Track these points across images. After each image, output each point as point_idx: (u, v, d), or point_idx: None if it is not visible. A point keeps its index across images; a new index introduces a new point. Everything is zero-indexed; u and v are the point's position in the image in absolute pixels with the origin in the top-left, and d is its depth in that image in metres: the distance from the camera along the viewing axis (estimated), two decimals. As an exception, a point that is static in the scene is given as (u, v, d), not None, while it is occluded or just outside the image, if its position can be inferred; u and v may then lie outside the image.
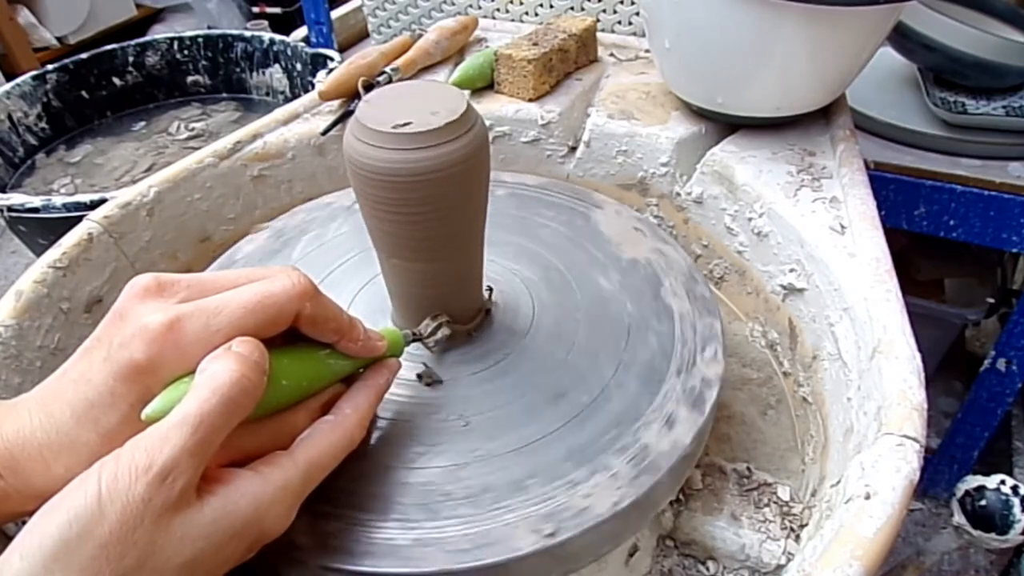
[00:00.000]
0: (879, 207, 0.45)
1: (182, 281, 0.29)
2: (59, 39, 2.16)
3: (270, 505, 0.27)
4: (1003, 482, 0.60)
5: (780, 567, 0.38)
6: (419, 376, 0.38)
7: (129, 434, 0.26)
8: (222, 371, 0.26)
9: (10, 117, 1.05)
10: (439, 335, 0.38)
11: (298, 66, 1.12)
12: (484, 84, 0.62)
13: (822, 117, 0.56)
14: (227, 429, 0.26)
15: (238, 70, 1.20)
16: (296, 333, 0.31)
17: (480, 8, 0.84)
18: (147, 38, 1.18)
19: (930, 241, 0.88)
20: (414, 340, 0.37)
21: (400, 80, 0.61)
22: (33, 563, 0.22)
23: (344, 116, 0.58)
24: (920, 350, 0.35)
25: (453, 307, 0.39)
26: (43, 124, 1.10)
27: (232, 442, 0.27)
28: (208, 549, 0.25)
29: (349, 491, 0.33)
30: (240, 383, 0.26)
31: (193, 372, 0.27)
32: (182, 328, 0.27)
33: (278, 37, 1.15)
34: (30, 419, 0.27)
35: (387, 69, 0.60)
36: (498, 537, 0.31)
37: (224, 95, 1.22)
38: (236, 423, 0.26)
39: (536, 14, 0.82)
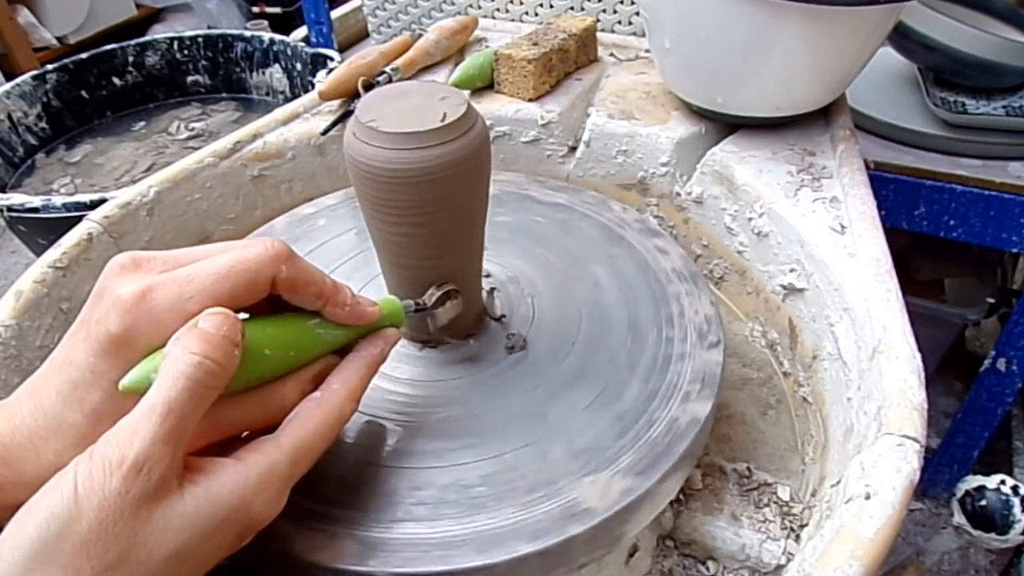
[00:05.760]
0: (879, 207, 0.45)
1: (158, 257, 0.29)
2: (59, 39, 2.16)
3: (256, 492, 0.26)
4: (1003, 482, 0.60)
5: (780, 567, 0.38)
6: (509, 349, 0.39)
7: (113, 411, 0.25)
8: (183, 354, 0.25)
9: (10, 117, 1.05)
10: (447, 306, 0.37)
11: (298, 66, 1.12)
12: (484, 84, 0.62)
13: (822, 117, 0.56)
14: (199, 411, 0.25)
15: (238, 70, 1.20)
16: (284, 303, 0.30)
17: (480, 8, 0.84)
18: (147, 38, 1.18)
19: (930, 241, 0.88)
20: (418, 311, 0.36)
21: (400, 80, 0.61)
22: (12, 564, 0.22)
23: (344, 116, 0.58)
24: (920, 350, 0.35)
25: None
26: (43, 124, 1.10)
27: (220, 415, 0.27)
28: (194, 539, 0.25)
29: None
30: (203, 365, 0.25)
31: None
32: (154, 297, 0.27)
33: (278, 37, 1.15)
34: (20, 408, 0.28)
35: (387, 69, 0.60)
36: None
37: (224, 95, 1.22)
38: (208, 403, 0.26)
39: (536, 14, 0.82)
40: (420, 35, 0.66)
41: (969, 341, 1.30)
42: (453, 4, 0.86)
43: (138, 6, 2.38)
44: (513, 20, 0.83)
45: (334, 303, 0.31)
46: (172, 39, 1.18)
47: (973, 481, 0.61)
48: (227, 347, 0.26)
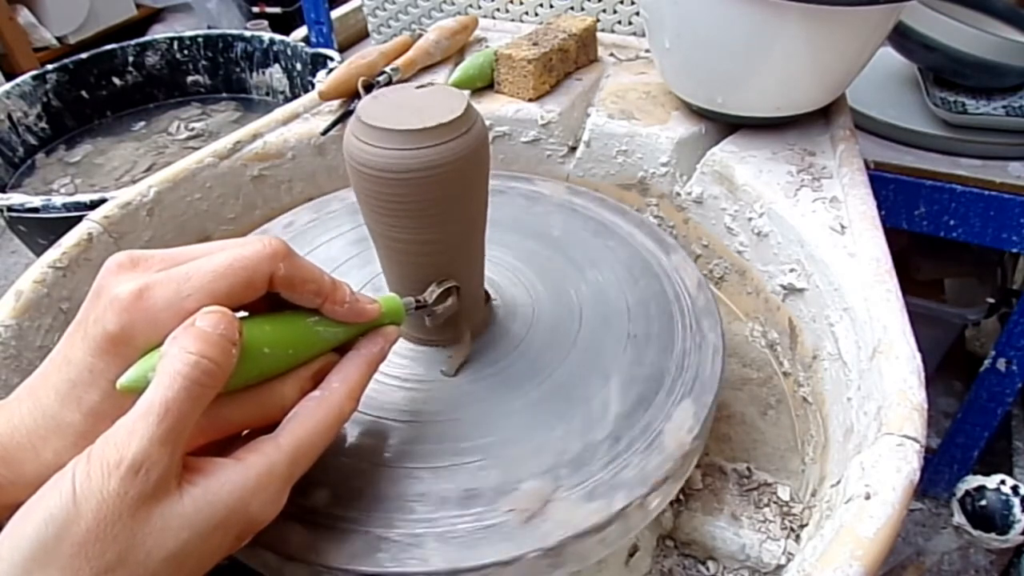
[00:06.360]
0: (879, 207, 0.45)
1: (156, 255, 0.29)
2: (59, 39, 2.16)
3: (254, 492, 0.26)
4: (1003, 482, 0.61)
5: (780, 567, 0.38)
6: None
7: (112, 410, 0.25)
8: (180, 354, 0.25)
9: (10, 117, 1.05)
10: (448, 302, 0.37)
11: (298, 66, 1.12)
12: (484, 84, 0.62)
13: (822, 117, 0.56)
14: (197, 411, 0.25)
15: (238, 70, 1.20)
16: (283, 301, 0.30)
17: (480, 8, 0.84)
18: (147, 38, 1.18)
19: (930, 241, 0.88)
20: (419, 308, 0.36)
21: (400, 80, 0.61)
22: (12, 565, 0.22)
23: (344, 116, 0.58)
24: (920, 350, 0.35)
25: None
26: (43, 124, 1.10)
27: (219, 414, 0.27)
28: (193, 540, 0.25)
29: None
30: (200, 365, 0.25)
31: None
32: (152, 295, 0.27)
33: (278, 37, 1.15)
34: (19, 408, 0.28)
35: (387, 69, 0.60)
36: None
37: (224, 95, 1.22)
38: (206, 403, 0.26)
39: (536, 14, 0.82)
40: (420, 35, 0.66)
41: (969, 341, 1.30)
42: (453, 4, 0.86)
43: (138, 6, 2.38)
44: (513, 20, 0.83)
45: (333, 300, 0.30)
46: (172, 39, 1.18)
47: (973, 481, 0.62)
48: (224, 346, 0.26)
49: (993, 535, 0.59)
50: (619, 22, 0.77)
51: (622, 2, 0.76)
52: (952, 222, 0.83)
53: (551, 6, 0.80)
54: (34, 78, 1.08)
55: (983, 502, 0.60)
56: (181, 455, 0.25)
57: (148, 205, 0.50)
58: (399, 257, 0.37)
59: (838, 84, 0.54)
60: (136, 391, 0.25)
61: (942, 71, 0.84)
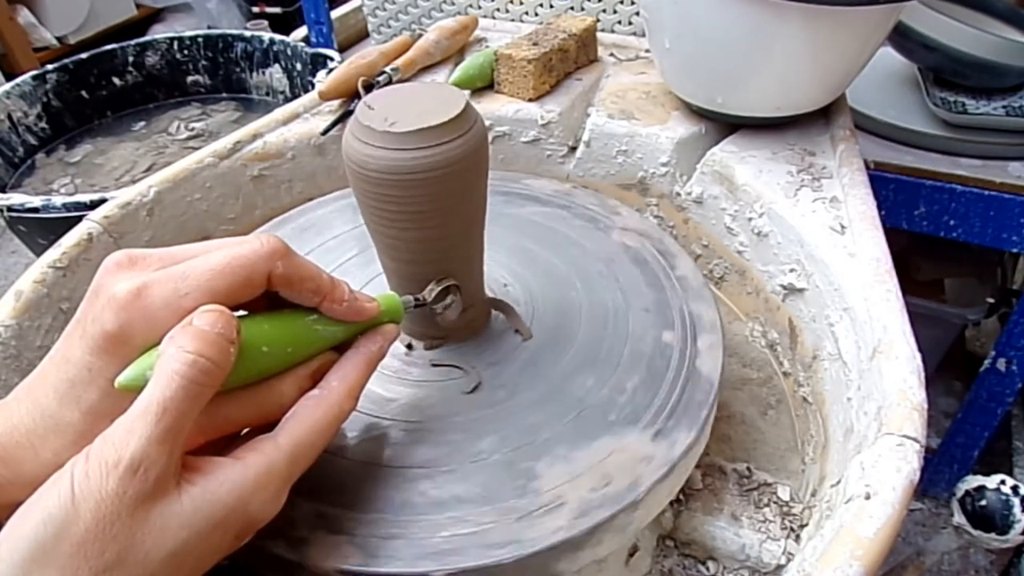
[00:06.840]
0: (879, 207, 0.45)
1: (154, 254, 0.29)
2: (59, 39, 2.16)
3: (253, 492, 0.26)
4: (1003, 482, 0.61)
5: (780, 567, 0.38)
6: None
7: (111, 409, 0.25)
8: (177, 353, 0.25)
9: (10, 117, 1.05)
10: (447, 301, 0.37)
11: (298, 66, 1.12)
12: (484, 84, 0.62)
13: (822, 117, 0.56)
14: (195, 410, 0.25)
15: (238, 70, 1.20)
16: (282, 300, 0.30)
17: (480, 8, 0.84)
18: (147, 38, 1.18)
19: (930, 241, 0.88)
20: (418, 306, 0.36)
21: (400, 80, 0.61)
22: (10, 565, 0.22)
23: (344, 116, 0.58)
24: (920, 350, 0.35)
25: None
26: (43, 124, 1.10)
27: (218, 412, 0.27)
28: (192, 539, 0.25)
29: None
30: (198, 364, 0.25)
31: None
32: (150, 294, 0.27)
33: (278, 37, 1.15)
34: (18, 407, 0.28)
35: (387, 69, 0.60)
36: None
37: (224, 95, 1.22)
38: (204, 401, 0.26)
39: (536, 14, 0.82)
40: (420, 35, 0.66)
41: (969, 341, 1.30)
42: (453, 4, 0.86)
43: (138, 6, 2.38)
44: (513, 20, 0.83)
45: (332, 299, 0.30)
46: (172, 39, 1.18)
47: (973, 481, 0.62)
48: (222, 344, 0.26)
49: (993, 535, 0.59)
50: (619, 22, 0.77)
51: (622, 2, 0.76)
52: (952, 222, 0.83)
53: (551, 6, 0.80)
54: (34, 78, 1.08)
55: (983, 502, 0.60)
56: (180, 454, 0.25)
57: (148, 205, 0.50)
58: (399, 256, 0.37)
59: (838, 84, 0.54)
60: (134, 390, 0.25)
61: (942, 71, 0.84)
